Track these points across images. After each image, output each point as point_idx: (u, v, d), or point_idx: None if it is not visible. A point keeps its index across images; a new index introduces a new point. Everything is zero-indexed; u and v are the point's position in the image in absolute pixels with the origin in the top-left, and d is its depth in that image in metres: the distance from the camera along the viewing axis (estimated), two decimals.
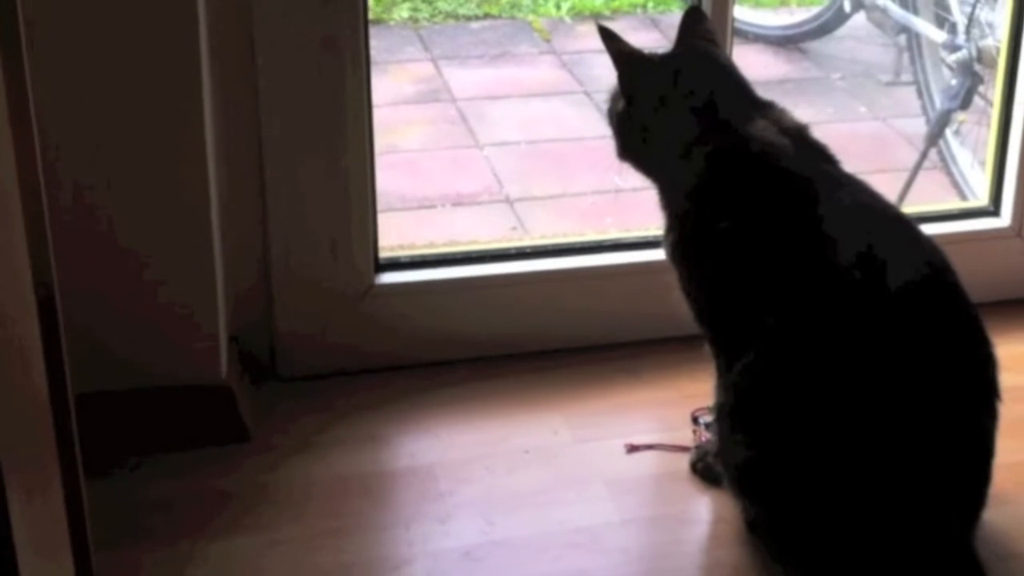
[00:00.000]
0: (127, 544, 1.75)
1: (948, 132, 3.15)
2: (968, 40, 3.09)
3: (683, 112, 1.80)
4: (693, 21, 1.89)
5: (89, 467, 1.58)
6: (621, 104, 1.87)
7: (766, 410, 1.67)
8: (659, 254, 2.10)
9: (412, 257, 2.19)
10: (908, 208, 2.39)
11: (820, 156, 1.78)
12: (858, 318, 1.63)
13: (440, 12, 4.15)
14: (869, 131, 3.55)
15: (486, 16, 4.16)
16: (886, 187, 1.82)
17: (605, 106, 1.93)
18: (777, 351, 1.66)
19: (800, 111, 1.86)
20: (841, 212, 1.69)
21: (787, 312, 1.66)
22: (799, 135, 1.79)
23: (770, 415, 1.67)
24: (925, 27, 3.31)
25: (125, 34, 1.76)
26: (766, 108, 1.81)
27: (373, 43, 2.02)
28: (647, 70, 1.85)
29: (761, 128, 1.76)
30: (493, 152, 3.40)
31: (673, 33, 1.90)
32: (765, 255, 1.70)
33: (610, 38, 1.85)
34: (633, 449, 1.98)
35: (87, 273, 1.82)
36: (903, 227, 1.73)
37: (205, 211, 1.87)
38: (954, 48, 3.12)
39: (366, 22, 1.99)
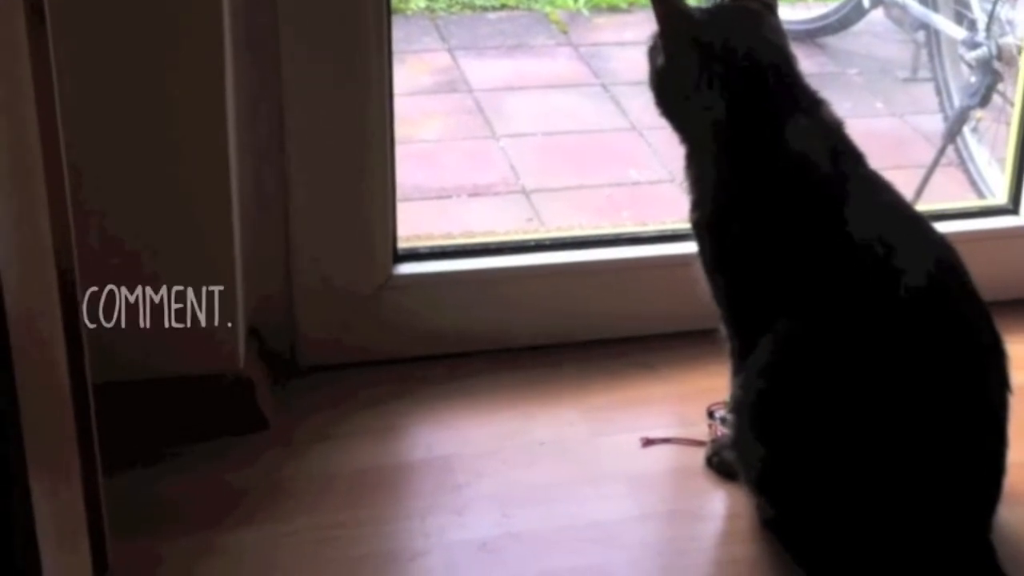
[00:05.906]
0: (145, 534, 1.75)
1: (966, 129, 3.14)
2: (988, 37, 3.08)
3: (722, 93, 1.73)
4: None
5: (107, 458, 1.59)
6: (661, 60, 1.79)
7: (783, 410, 1.68)
8: (676, 248, 2.12)
9: (430, 248, 2.20)
10: (925, 206, 2.39)
11: (850, 156, 1.76)
12: (874, 318, 1.63)
13: (457, 2, 4.15)
14: (886, 127, 3.53)
15: (503, 7, 4.15)
16: (902, 184, 1.81)
17: (647, 43, 1.83)
18: (794, 351, 1.67)
19: None
20: (863, 216, 1.69)
21: (804, 311, 1.67)
22: (834, 134, 1.76)
23: (787, 414, 1.67)
24: (944, 24, 3.30)
25: (145, 32, 1.76)
26: (809, 102, 1.77)
27: None
28: (693, 37, 1.75)
29: (801, 129, 1.73)
30: (509, 143, 3.40)
31: None
32: (785, 254, 1.70)
33: None
34: (649, 443, 1.98)
35: (103, 262, 1.82)
36: (919, 226, 1.73)
37: (226, 201, 1.87)
38: (973, 45, 3.11)
39: (389, 17, 1.99)
